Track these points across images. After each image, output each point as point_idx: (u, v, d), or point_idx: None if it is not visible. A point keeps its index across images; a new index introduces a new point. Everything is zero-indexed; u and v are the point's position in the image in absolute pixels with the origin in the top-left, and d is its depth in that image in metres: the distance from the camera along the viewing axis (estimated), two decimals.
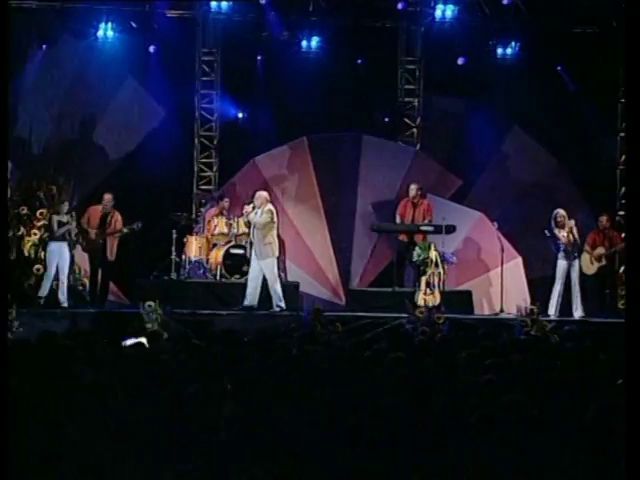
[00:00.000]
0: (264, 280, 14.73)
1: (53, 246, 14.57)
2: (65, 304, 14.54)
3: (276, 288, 14.70)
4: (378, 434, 4.99)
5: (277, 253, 14.99)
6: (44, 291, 14.51)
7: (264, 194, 14.97)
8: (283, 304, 14.63)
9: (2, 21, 8.49)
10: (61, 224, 14.61)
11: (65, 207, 14.73)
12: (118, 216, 15.35)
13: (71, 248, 14.65)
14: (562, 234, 15.41)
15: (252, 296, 14.65)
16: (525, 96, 17.63)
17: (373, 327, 13.57)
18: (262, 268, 14.71)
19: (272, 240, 14.82)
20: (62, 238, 14.57)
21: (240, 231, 15.87)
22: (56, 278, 14.52)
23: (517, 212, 17.36)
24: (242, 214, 15.13)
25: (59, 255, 14.53)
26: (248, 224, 15.14)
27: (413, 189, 16.37)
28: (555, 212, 15.54)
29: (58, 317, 13.69)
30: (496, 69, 18.09)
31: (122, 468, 4.91)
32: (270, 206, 14.89)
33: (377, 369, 7.29)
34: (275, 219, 14.90)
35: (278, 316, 14.22)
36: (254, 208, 14.80)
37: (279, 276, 15.04)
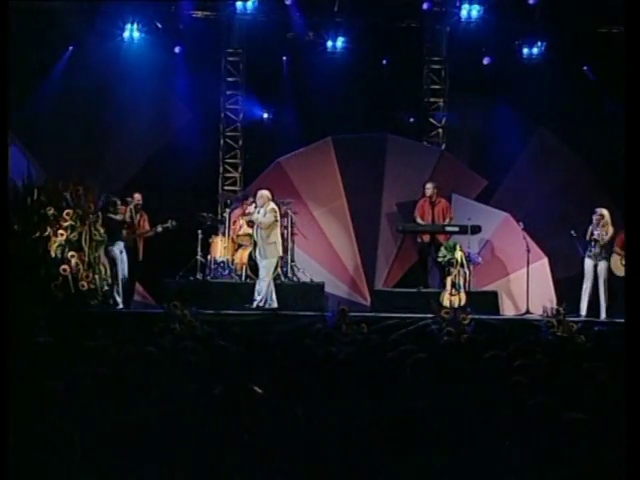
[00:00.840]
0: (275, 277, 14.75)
1: (114, 246, 14.67)
2: (120, 305, 14.62)
3: (263, 285, 14.71)
4: (404, 435, 4.98)
5: (281, 253, 15.01)
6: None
7: (266, 193, 14.94)
8: (260, 301, 14.63)
9: (2, 21, 8.52)
10: (115, 224, 14.71)
11: (121, 205, 14.78)
12: (145, 216, 15.46)
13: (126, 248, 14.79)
14: (598, 233, 15.29)
15: (258, 296, 14.67)
16: (551, 96, 17.54)
17: (398, 328, 13.54)
18: (263, 266, 14.70)
19: (276, 240, 14.84)
20: (120, 238, 14.68)
21: None
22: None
23: (543, 212, 17.29)
24: (245, 214, 15.02)
25: (121, 254, 14.64)
26: (251, 224, 15.18)
27: (429, 188, 16.35)
28: (596, 210, 15.45)
29: (84, 317, 13.72)
30: (522, 69, 18.02)
31: (146, 469, 4.91)
32: (273, 205, 14.89)
33: (403, 370, 7.26)
34: (279, 218, 14.92)
35: (303, 317, 14.21)
36: (256, 207, 14.79)
37: (279, 274, 15.14)
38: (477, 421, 5.44)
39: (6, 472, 4.58)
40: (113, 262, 14.68)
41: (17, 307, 13.20)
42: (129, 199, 15.30)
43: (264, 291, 14.72)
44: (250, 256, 15.62)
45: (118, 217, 14.82)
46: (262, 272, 14.78)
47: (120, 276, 14.70)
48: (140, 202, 15.31)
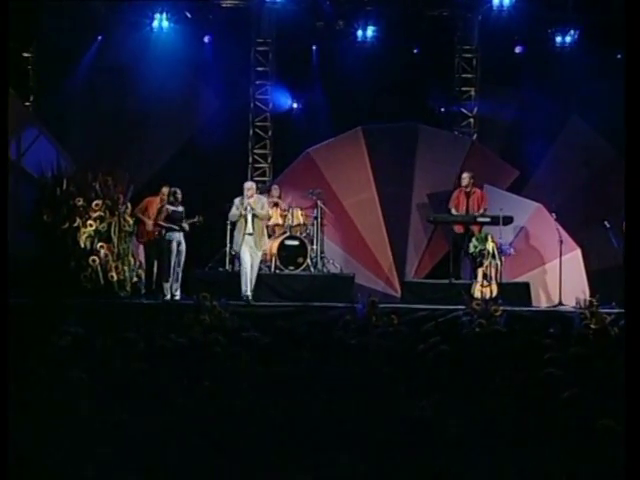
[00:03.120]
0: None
1: (170, 236, 14.75)
2: (178, 297, 14.69)
3: (254, 278, 14.76)
4: (436, 428, 4.97)
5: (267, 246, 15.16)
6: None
7: (254, 185, 15.00)
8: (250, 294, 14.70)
9: (2, 21, 8.59)
10: (176, 214, 14.78)
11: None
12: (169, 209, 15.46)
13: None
14: None
15: (248, 285, 14.68)
16: (584, 85, 17.43)
17: (429, 319, 13.51)
18: (253, 258, 14.72)
19: (266, 232, 14.99)
20: (177, 229, 14.76)
21: (295, 222, 15.90)
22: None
23: (576, 203, 17.18)
24: (242, 206, 14.89)
25: (177, 245, 14.73)
26: (244, 216, 15.27)
27: (465, 178, 16.27)
28: None
29: (114, 309, 13.80)
30: (555, 57, 17.91)
31: (177, 462, 4.93)
32: (264, 197, 15.05)
33: (433, 362, 7.25)
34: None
35: (333, 308, 14.21)
36: (247, 198, 14.74)
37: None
38: (509, 414, 5.42)
39: (6, 472, 4.62)
40: (168, 253, 14.73)
41: (47, 298, 13.34)
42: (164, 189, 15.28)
43: (254, 283, 14.78)
44: (280, 247, 15.64)
45: (179, 209, 14.86)
46: (255, 263, 14.77)
47: (172, 267, 14.72)
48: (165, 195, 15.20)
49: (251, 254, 14.68)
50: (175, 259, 14.74)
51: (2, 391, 5.27)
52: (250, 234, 14.66)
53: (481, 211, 16.20)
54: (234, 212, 14.76)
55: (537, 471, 4.69)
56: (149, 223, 15.23)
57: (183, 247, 14.85)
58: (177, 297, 14.71)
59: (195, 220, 14.98)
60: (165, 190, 15.20)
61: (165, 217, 14.78)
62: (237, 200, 14.77)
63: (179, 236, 14.83)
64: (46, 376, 6.26)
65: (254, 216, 14.63)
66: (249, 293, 14.64)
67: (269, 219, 15.24)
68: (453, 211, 16.32)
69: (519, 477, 4.71)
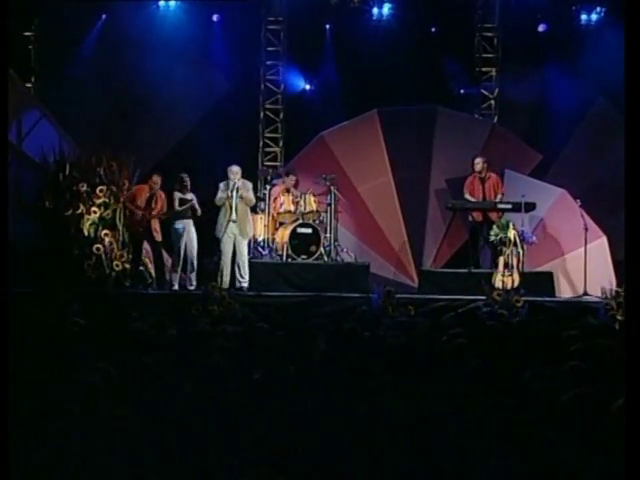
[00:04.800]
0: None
1: (178, 225, 14.77)
2: (175, 286, 14.72)
3: (245, 266, 14.79)
4: (454, 424, 4.95)
5: (253, 231, 15.15)
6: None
7: (239, 168, 14.94)
8: (247, 281, 14.68)
9: (2, 20, 8.63)
10: (184, 201, 14.79)
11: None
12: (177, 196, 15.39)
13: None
14: None
15: (228, 277, 14.66)
16: (611, 65, 17.33)
17: (447, 310, 13.50)
18: (237, 245, 14.71)
19: (251, 218, 15.02)
20: (187, 216, 14.77)
21: (308, 209, 15.87)
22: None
23: (602, 188, 17.12)
24: (227, 189, 14.82)
25: (186, 234, 14.73)
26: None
27: (479, 162, 16.22)
28: None
29: (123, 300, 13.81)
30: (579, 36, 17.86)
31: (188, 457, 4.93)
32: (248, 182, 15.00)
33: (452, 355, 7.22)
34: None
35: (347, 299, 14.20)
36: (232, 183, 14.72)
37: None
38: (532, 408, 5.40)
39: (6, 472, 4.63)
40: (176, 241, 14.75)
41: (50, 288, 13.35)
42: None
43: (247, 269, 14.75)
44: (292, 235, 15.62)
45: (188, 196, 14.87)
46: (244, 251, 14.77)
47: (181, 256, 14.72)
48: (158, 185, 15.09)
49: (235, 242, 14.69)
50: (185, 248, 14.74)
51: (2, 391, 5.28)
52: (234, 221, 14.67)
53: (498, 197, 16.16)
54: (220, 195, 14.78)
55: (567, 467, 4.67)
56: (138, 213, 15.09)
57: (193, 235, 14.85)
58: (192, 287, 14.72)
59: (187, 197, 14.89)
60: (155, 178, 15.08)
61: (173, 205, 14.79)
62: (222, 184, 14.80)
63: (188, 224, 14.82)
64: (48, 371, 6.27)
65: (240, 201, 14.62)
66: (245, 285, 14.63)
67: (254, 204, 15.13)
68: (468, 197, 16.27)
69: (548, 474, 4.69)
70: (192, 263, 14.84)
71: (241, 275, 14.81)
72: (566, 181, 16.91)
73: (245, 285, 14.75)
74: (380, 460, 4.82)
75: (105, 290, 14.17)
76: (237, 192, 14.65)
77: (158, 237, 15.12)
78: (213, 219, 15.02)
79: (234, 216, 14.66)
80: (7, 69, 9.32)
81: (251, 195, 14.90)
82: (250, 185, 15.04)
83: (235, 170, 14.85)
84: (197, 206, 14.85)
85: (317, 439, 5.12)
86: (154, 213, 15.05)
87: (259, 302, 13.75)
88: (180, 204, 14.82)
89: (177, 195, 14.86)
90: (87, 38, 17.46)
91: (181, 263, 14.77)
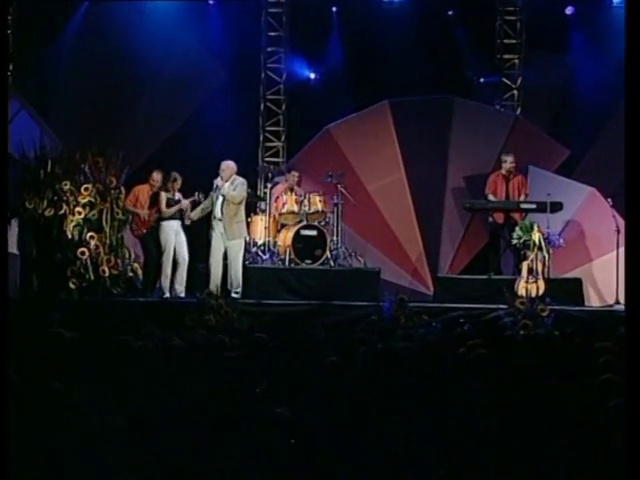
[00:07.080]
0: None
1: (166, 226, 14.82)
2: (182, 294, 14.75)
3: (238, 274, 14.76)
4: (472, 439, 4.99)
5: (246, 234, 15.09)
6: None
7: (232, 164, 14.93)
8: (240, 292, 14.67)
9: (2, 20, 8.73)
10: (172, 202, 14.83)
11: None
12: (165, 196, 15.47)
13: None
14: None
15: (217, 283, 14.65)
16: None
17: (466, 320, 13.53)
18: (227, 249, 14.72)
19: (243, 218, 14.97)
20: (175, 217, 14.83)
21: (312, 209, 15.90)
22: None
23: None
24: (214, 188, 14.89)
25: (175, 236, 14.79)
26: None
27: (508, 161, 16.19)
28: None
29: (105, 308, 13.84)
30: (610, 20, 17.86)
31: (188, 466, 4.99)
32: (241, 179, 14.95)
33: (470, 368, 7.26)
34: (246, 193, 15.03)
35: (356, 307, 14.24)
36: (222, 180, 14.77)
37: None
38: (560, 424, 5.43)
39: (6, 471, 4.69)
40: (165, 244, 14.79)
41: (30, 296, 13.40)
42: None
43: (240, 278, 14.76)
44: (295, 238, 15.65)
45: (176, 197, 14.91)
46: (231, 255, 14.75)
47: (170, 260, 14.76)
48: (159, 182, 15.18)
49: (224, 244, 14.70)
50: (174, 252, 14.77)
51: (2, 391, 5.34)
52: (219, 219, 14.71)
53: (522, 197, 16.17)
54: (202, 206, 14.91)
55: None
56: (143, 213, 15.18)
57: (183, 238, 14.88)
58: (182, 295, 14.74)
59: (195, 197, 14.97)
60: (156, 176, 15.15)
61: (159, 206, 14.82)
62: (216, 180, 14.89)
63: (177, 226, 14.86)
64: (31, 387, 6.31)
65: (224, 199, 14.65)
66: (235, 295, 14.56)
67: (240, 202, 14.99)
68: (491, 197, 16.28)
69: None
70: (182, 269, 14.83)
71: (231, 284, 14.76)
72: (596, 178, 16.93)
73: (237, 297, 14.67)
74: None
75: (91, 298, 14.20)
76: (217, 190, 14.69)
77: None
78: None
79: (218, 213, 14.72)
80: (7, 69, 9.40)
81: (236, 193, 14.79)
82: (240, 180, 14.90)
83: (224, 166, 14.87)
84: (188, 208, 14.84)
85: (327, 461, 5.16)
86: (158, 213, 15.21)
87: (259, 311, 13.78)
88: (167, 205, 14.83)
89: (164, 196, 14.87)
90: (68, 25, 17.49)
91: (171, 268, 14.79)
